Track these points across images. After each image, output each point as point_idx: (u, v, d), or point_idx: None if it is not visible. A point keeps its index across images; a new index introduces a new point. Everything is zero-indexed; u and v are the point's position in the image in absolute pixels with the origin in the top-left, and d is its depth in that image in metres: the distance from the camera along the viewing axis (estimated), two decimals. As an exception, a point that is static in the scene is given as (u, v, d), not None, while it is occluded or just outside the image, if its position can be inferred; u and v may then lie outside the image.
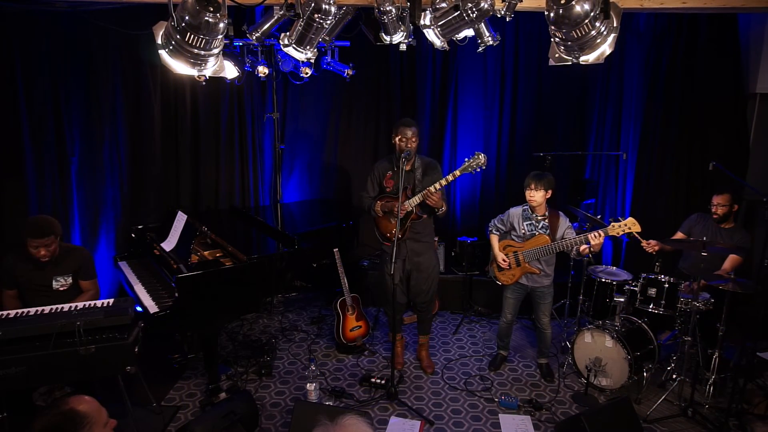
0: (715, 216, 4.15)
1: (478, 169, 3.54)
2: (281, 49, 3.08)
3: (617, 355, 3.74)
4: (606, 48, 2.50)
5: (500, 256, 3.96)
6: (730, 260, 4.04)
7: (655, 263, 4.03)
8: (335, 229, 4.70)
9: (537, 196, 3.76)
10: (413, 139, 3.71)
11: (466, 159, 3.55)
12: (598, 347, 3.86)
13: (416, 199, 3.69)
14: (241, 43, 4.20)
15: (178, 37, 2.39)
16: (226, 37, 2.48)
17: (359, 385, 3.89)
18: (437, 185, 3.60)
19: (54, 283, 3.44)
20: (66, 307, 3.00)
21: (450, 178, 3.60)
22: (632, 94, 5.21)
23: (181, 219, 3.85)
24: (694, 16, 4.78)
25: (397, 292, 3.82)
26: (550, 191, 3.81)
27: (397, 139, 3.72)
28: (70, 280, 3.48)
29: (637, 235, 3.86)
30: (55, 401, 1.85)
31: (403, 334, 4.47)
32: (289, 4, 2.71)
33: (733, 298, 3.50)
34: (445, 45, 3.08)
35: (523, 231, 3.89)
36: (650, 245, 4.12)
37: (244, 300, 3.46)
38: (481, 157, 3.51)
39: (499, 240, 4.03)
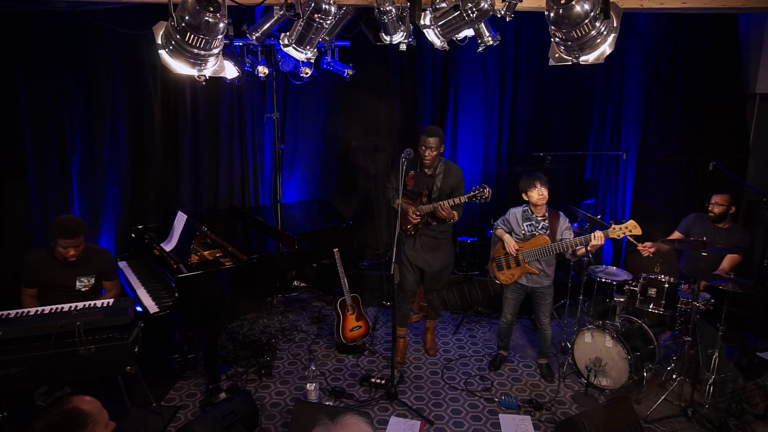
0: (711, 214, 4.15)
1: (482, 202, 3.69)
2: (281, 49, 3.08)
3: (617, 355, 3.74)
4: (606, 48, 2.50)
5: (512, 242, 3.91)
6: (729, 260, 4.04)
7: (656, 263, 4.03)
8: (335, 229, 4.70)
9: (545, 192, 3.78)
10: (433, 148, 3.78)
11: (474, 188, 3.67)
12: (598, 347, 3.86)
13: (428, 208, 3.81)
14: (241, 43, 4.20)
15: (178, 37, 2.39)
16: (226, 37, 2.49)
17: (359, 385, 3.89)
18: (446, 203, 3.72)
19: (77, 283, 3.44)
20: (66, 307, 3.00)
21: (457, 201, 3.73)
22: (632, 94, 5.21)
23: (181, 219, 3.85)
24: (694, 16, 4.78)
25: (405, 286, 4.12)
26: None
27: (420, 147, 3.81)
28: (93, 280, 3.49)
29: (632, 239, 3.86)
30: (57, 401, 1.85)
31: (407, 334, 4.43)
32: (289, 4, 2.72)
33: (732, 298, 3.50)
34: (445, 45, 3.09)
35: (523, 231, 3.89)
36: (646, 248, 4.11)
37: (244, 300, 3.46)
38: (486, 191, 3.65)
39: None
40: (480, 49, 3.18)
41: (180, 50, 2.46)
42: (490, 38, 3.12)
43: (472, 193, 3.69)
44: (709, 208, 4.16)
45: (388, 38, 3.10)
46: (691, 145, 4.98)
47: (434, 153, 3.81)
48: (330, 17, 2.78)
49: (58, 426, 1.71)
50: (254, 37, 3.35)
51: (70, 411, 1.75)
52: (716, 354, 3.62)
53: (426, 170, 3.90)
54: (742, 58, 4.78)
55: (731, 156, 4.76)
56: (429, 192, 3.91)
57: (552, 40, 2.58)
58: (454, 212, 3.84)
